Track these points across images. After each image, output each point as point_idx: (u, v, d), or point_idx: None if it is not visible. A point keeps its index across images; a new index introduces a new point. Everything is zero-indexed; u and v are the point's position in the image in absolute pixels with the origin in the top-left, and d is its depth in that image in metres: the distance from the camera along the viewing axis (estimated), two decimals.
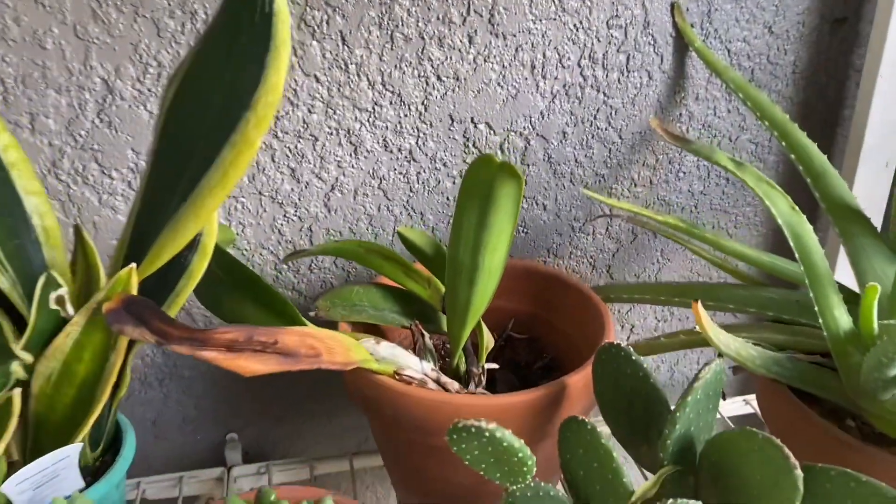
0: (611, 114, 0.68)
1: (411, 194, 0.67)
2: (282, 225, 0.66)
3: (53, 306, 0.43)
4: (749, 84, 0.63)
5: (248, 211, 0.65)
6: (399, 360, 0.50)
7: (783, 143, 0.57)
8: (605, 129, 0.68)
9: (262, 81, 0.37)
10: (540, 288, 0.63)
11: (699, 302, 0.44)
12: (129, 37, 0.57)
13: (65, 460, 0.44)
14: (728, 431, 0.40)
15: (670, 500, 0.37)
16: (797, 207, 0.52)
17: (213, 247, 0.45)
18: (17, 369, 0.42)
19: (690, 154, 0.70)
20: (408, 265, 0.56)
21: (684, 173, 0.72)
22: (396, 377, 0.49)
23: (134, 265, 0.41)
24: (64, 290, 0.43)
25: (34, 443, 0.46)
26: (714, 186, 0.73)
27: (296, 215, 0.66)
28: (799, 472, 0.36)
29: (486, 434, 0.38)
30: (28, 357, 0.42)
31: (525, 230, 0.71)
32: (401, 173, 0.66)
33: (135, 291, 0.42)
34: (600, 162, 0.69)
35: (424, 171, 0.66)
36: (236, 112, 0.38)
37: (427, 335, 0.54)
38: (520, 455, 0.39)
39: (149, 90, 0.59)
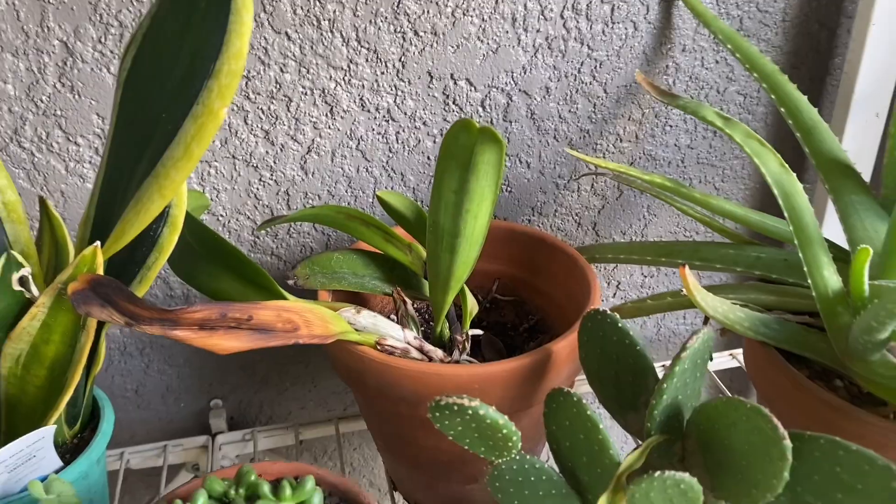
0: (595, 67, 0.65)
1: (390, 155, 0.65)
2: (258, 189, 0.64)
3: (17, 288, 0.41)
4: (737, 33, 0.61)
5: (221, 175, 0.63)
6: (381, 330, 0.49)
7: (772, 96, 0.55)
8: (590, 84, 0.66)
9: (224, 48, 0.35)
10: (524, 250, 0.61)
11: (686, 266, 0.43)
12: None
13: (40, 442, 0.43)
14: (715, 400, 0.39)
15: (657, 473, 0.36)
16: (787, 165, 0.50)
17: (182, 219, 0.43)
18: None
19: (677, 110, 0.68)
20: (388, 230, 0.55)
21: (671, 127, 0.70)
22: (378, 347, 0.48)
23: (98, 243, 0.39)
24: (27, 270, 0.41)
25: (7, 426, 0.44)
26: (701, 140, 0.72)
27: (272, 179, 0.64)
28: (788, 443, 0.35)
29: (469, 412, 0.37)
30: None
31: (509, 189, 0.69)
32: (379, 133, 0.64)
33: (101, 271, 0.40)
34: (584, 117, 0.67)
35: (404, 131, 0.64)
36: (199, 81, 0.36)
37: (409, 302, 0.52)
38: (504, 431, 0.38)
39: (111, 52, 0.56)
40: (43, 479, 0.42)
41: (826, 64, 0.71)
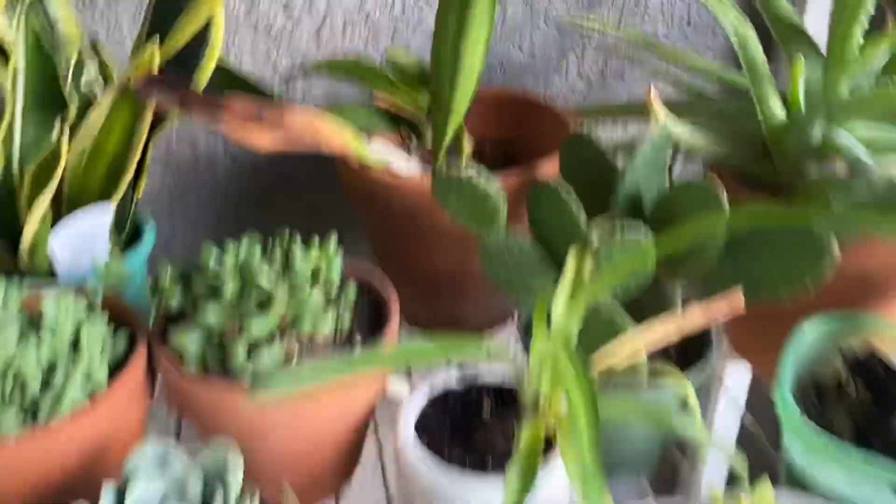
0: None
1: (395, 32, 0.72)
2: (276, 60, 0.71)
3: (84, 90, 0.48)
4: None
5: (245, 45, 0.70)
6: (389, 156, 0.56)
7: None
8: None
9: None
10: (516, 112, 0.68)
11: (652, 88, 0.51)
12: None
13: (102, 224, 0.50)
14: (673, 186, 0.47)
15: (619, 235, 0.44)
16: (742, 18, 0.57)
17: (221, 34, 0.50)
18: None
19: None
20: (395, 82, 0.62)
21: (649, 16, 0.77)
22: (387, 169, 0.56)
23: (156, 44, 0.46)
24: (92, 75, 0.48)
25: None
26: (677, 31, 0.79)
27: (288, 51, 0.71)
28: (725, 202, 0.43)
29: (464, 181, 0.44)
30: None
31: (503, 71, 0.77)
32: (386, 8, 0.71)
33: (156, 70, 0.47)
34: (572, 3, 0.74)
35: (407, 10, 0.71)
36: None
37: (414, 139, 0.60)
38: (493, 200, 0.45)
39: None
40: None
41: None
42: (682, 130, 0.53)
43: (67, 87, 0.48)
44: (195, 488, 0.38)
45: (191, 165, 0.74)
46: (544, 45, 0.76)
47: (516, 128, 0.68)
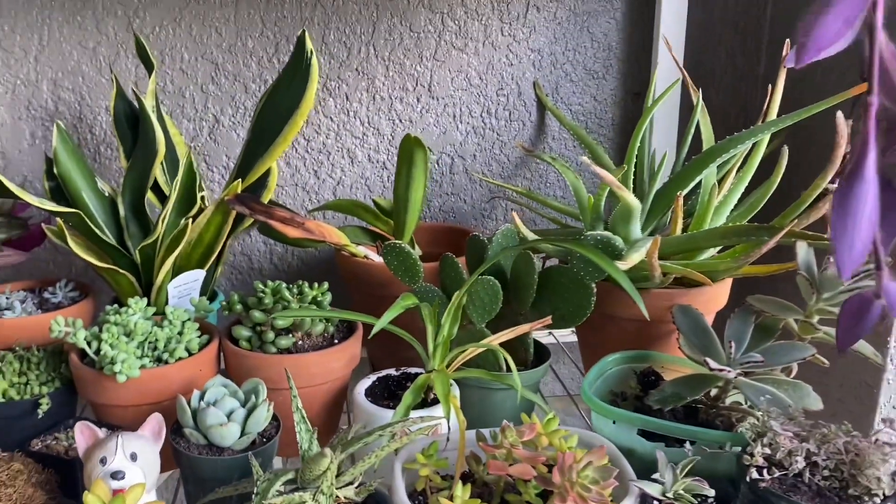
0: (501, 145, 1.15)
1: (383, 188, 1.13)
2: (306, 204, 1.12)
3: (199, 203, 0.88)
4: (583, 130, 1.10)
5: (288, 195, 1.11)
6: (366, 252, 0.95)
7: (588, 153, 1.03)
8: (499, 154, 1.15)
9: (303, 98, 0.85)
10: (450, 234, 1.07)
11: (515, 214, 0.89)
12: (230, 92, 1.06)
13: (196, 281, 0.88)
14: (516, 258, 0.83)
15: (480, 277, 0.80)
16: (579, 178, 0.97)
17: (275, 181, 0.91)
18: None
19: (554, 169, 1.16)
20: (378, 214, 1.02)
21: (550, 184, 1.18)
22: (365, 258, 0.94)
23: (240, 179, 0.87)
24: (206, 193, 0.89)
25: None
26: (569, 191, 1.19)
27: (316, 200, 1.12)
28: (537, 267, 0.79)
29: (399, 248, 0.82)
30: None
31: (453, 216, 1.16)
32: (378, 176, 1.13)
33: (239, 191, 0.87)
34: (497, 174, 1.16)
35: (391, 175, 1.13)
36: (291, 112, 0.85)
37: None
38: (416, 264, 0.82)
39: (239, 122, 1.07)
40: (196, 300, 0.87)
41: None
42: (522, 229, 0.90)
43: (199, 201, 0.88)
44: (240, 394, 0.72)
45: (246, 255, 1.14)
46: (480, 199, 1.17)
47: (449, 243, 1.06)
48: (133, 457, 0.63)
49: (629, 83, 1.15)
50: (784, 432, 0.65)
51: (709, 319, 0.85)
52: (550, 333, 1.13)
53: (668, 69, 1.07)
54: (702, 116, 0.94)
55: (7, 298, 0.90)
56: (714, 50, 1.15)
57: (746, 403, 0.77)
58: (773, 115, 0.87)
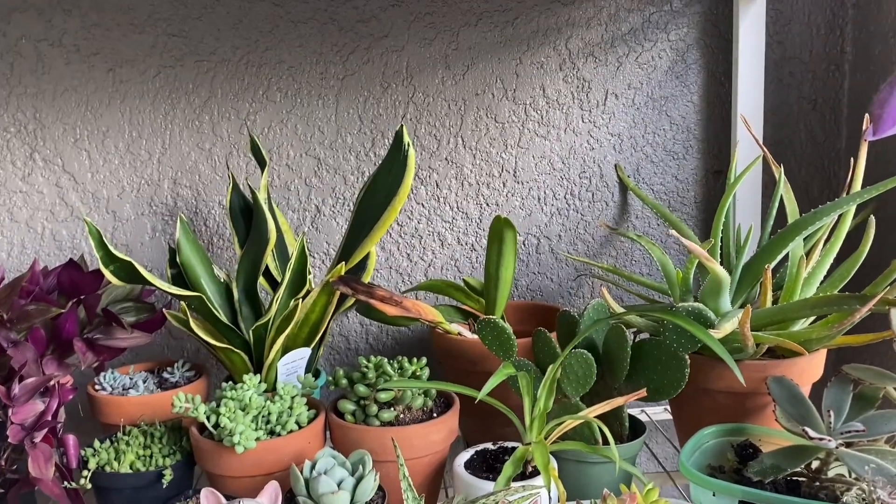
0: (585, 225, 1.19)
1: (472, 268, 1.18)
2: (399, 286, 1.18)
3: (307, 286, 0.95)
4: (666, 209, 1.13)
5: (383, 278, 1.17)
6: (460, 329, 0.99)
7: (674, 232, 1.06)
8: (584, 234, 1.19)
9: (401, 185, 0.91)
10: (539, 312, 1.10)
11: (604, 289, 0.92)
12: (331, 184, 1.14)
13: (302, 360, 0.94)
14: (607, 331, 0.86)
15: (575, 351, 0.83)
16: (666, 255, 0.99)
17: (374, 264, 0.97)
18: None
19: (638, 247, 1.19)
20: (468, 293, 1.07)
21: (635, 261, 1.20)
22: (458, 335, 0.98)
23: (343, 263, 0.93)
24: (311, 277, 0.96)
25: None
26: (654, 268, 1.21)
27: (409, 281, 1.18)
28: (629, 342, 0.82)
29: (493, 322, 0.86)
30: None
31: (541, 295, 1.20)
32: (467, 258, 1.18)
33: (343, 273, 0.94)
34: (583, 253, 1.19)
35: (480, 256, 1.18)
36: (390, 199, 0.92)
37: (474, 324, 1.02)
38: (510, 338, 0.86)
39: (338, 211, 1.15)
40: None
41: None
42: (611, 304, 0.93)
43: (308, 283, 0.95)
44: (348, 464, 0.76)
45: (344, 336, 1.19)
46: (567, 278, 1.20)
47: (538, 321, 1.09)
48: None
49: (709, 162, 1.19)
50: (892, 501, 0.64)
51: (804, 391, 0.85)
52: (643, 411, 1.14)
53: (747, 147, 1.10)
54: (785, 191, 0.96)
55: (131, 379, 0.98)
56: (793, 126, 1.17)
57: (850, 476, 0.76)
58: (857, 187, 0.89)
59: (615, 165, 1.18)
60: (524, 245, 1.19)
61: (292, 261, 0.92)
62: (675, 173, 1.19)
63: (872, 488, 0.66)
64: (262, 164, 1.01)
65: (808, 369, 0.86)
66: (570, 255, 1.19)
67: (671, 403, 0.98)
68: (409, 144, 0.91)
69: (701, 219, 1.21)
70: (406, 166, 0.91)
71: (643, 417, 1.09)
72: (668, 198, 1.19)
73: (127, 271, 0.83)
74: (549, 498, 0.71)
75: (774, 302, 0.91)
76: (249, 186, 0.97)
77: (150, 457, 0.85)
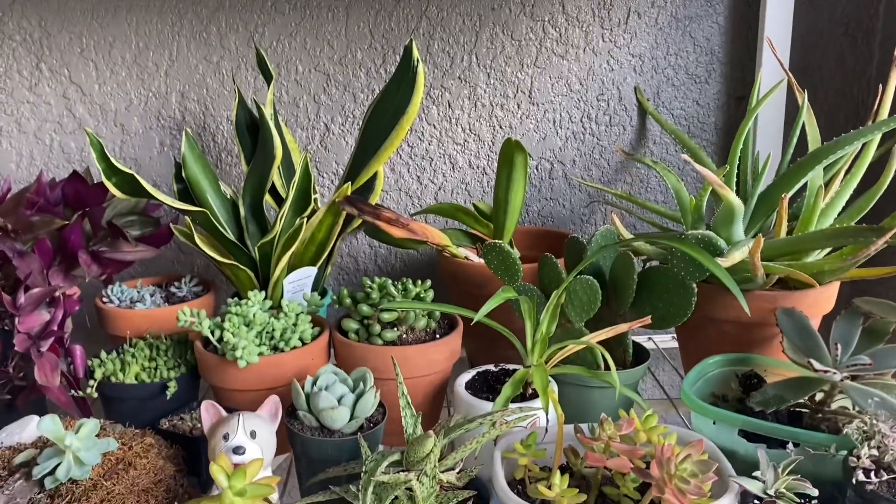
0: (601, 150, 1.16)
1: (483, 192, 1.16)
2: (409, 208, 1.17)
3: (312, 205, 0.94)
4: (685, 134, 1.09)
5: (392, 200, 1.16)
6: (466, 253, 0.98)
7: (688, 156, 1.03)
8: (599, 159, 1.16)
9: (409, 105, 0.89)
10: (548, 237, 1.09)
11: (615, 215, 0.90)
12: (340, 102, 1.11)
13: (308, 277, 0.94)
14: (616, 257, 0.85)
15: (579, 276, 0.82)
16: (681, 182, 0.97)
17: (381, 185, 0.95)
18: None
19: (654, 173, 1.16)
20: (477, 217, 1.05)
21: (651, 189, 1.18)
22: (465, 259, 0.97)
23: (349, 183, 0.92)
24: (317, 196, 0.94)
25: None
26: (669, 196, 1.18)
27: (418, 204, 1.16)
28: (635, 267, 0.80)
29: (499, 247, 0.85)
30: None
31: (552, 221, 1.18)
32: (478, 181, 1.16)
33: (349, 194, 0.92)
34: (597, 179, 1.17)
35: (492, 181, 1.16)
36: (398, 117, 0.90)
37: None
38: (515, 263, 0.85)
39: (348, 130, 1.13)
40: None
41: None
42: (622, 230, 0.91)
43: (313, 202, 0.94)
44: (349, 381, 0.76)
45: (353, 257, 1.19)
46: (579, 204, 1.18)
47: (548, 247, 1.08)
48: (252, 434, 0.68)
49: (732, 87, 1.14)
50: (893, 434, 0.64)
51: (814, 324, 0.83)
52: (650, 339, 1.13)
53: (772, 72, 1.05)
54: (808, 118, 0.92)
55: (138, 292, 0.99)
56: (823, 51, 1.12)
57: (854, 409, 0.75)
58: (883, 115, 0.85)
59: (635, 88, 1.14)
60: (537, 170, 1.16)
61: (296, 178, 0.91)
62: (696, 98, 1.15)
63: (874, 421, 0.65)
64: (268, 78, 0.99)
65: (819, 301, 0.85)
66: (583, 180, 1.17)
67: (678, 332, 0.97)
68: (418, 61, 0.88)
69: (721, 146, 1.17)
70: (415, 84, 0.89)
71: (650, 345, 1.09)
72: (687, 123, 1.16)
73: (130, 184, 0.82)
74: (547, 420, 0.71)
75: (790, 233, 0.88)
76: (255, 102, 0.95)
77: (155, 369, 0.86)
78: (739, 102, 1.15)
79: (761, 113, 1.10)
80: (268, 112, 0.94)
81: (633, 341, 0.87)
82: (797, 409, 0.79)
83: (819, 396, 0.77)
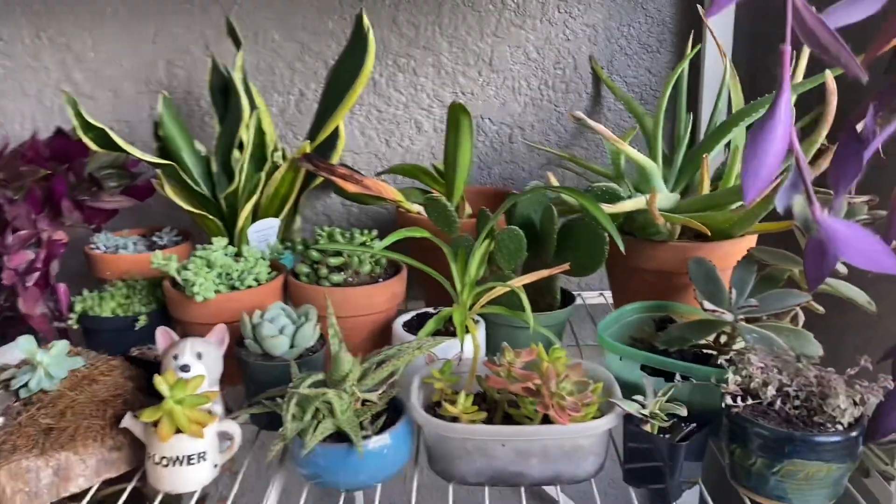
0: (558, 116, 1.23)
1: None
2: (377, 169, 1.25)
3: (277, 160, 1.03)
4: (636, 102, 1.16)
5: (363, 162, 1.24)
6: (419, 209, 1.06)
7: (637, 125, 1.10)
8: (556, 125, 1.23)
9: (362, 68, 0.97)
10: (502, 200, 1.16)
11: (550, 174, 0.98)
12: (313, 69, 1.20)
13: (272, 228, 1.03)
14: (543, 210, 0.92)
15: (508, 228, 0.90)
16: (621, 142, 1.03)
17: (343, 145, 1.04)
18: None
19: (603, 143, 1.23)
20: (435, 177, 1.13)
21: (604, 152, 1.24)
22: (418, 214, 1.05)
23: (309, 141, 1.00)
24: (280, 153, 1.03)
25: None
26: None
27: (386, 165, 1.25)
28: (556, 220, 0.88)
29: (436, 200, 0.93)
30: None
31: (513, 182, 1.26)
32: (442, 144, 1.23)
33: (309, 152, 1.01)
34: (554, 143, 1.24)
35: None
36: (353, 80, 0.98)
37: None
38: (452, 215, 0.93)
39: (318, 93, 1.21)
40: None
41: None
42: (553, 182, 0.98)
43: (270, 158, 1.03)
44: (293, 315, 0.86)
45: (326, 215, 1.28)
46: (538, 168, 1.25)
47: (498, 205, 1.16)
48: (199, 356, 0.77)
49: (683, 55, 1.20)
50: (759, 364, 0.71)
51: (727, 275, 0.90)
52: (579, 295, 1.20)
53: (721, 40, 1.11)
54: (732, 82, 0.98)
55: (123, 240, 1.09)
56: (768, 20, 1.17)
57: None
58: (798, 79, 0.91)
59: (589, 57, 1.20)
60: (497, 135, 1.24)
61: (251, 133, 1.00)
62: (648, 66, 1.21)
63: (746, 353, 0.73)
64: (238, 45, 1.07)
65: (732, 253, 0.92)
66: (541, 144, 1.24)
67: (611, 283, 1.04)
68: (368, 28, 0.96)
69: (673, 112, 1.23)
70: (366, 49, 0.97)
71: (579, 302, 1.16)
72: (640, 90, 1.22)
73: (103, 139, 0.91)
74: (462, 350, 0.79)
75: (714, 191, 0.95)
76: (225, 67, 1.04)
77: (130, 305, 0.96)
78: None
79: (708, 79, 1.16)
80: (237, 76, 1.03)
81: (562, 288, 0.95)
82: (704, 352, 0.86)
83: (723, 339, 0.85)
